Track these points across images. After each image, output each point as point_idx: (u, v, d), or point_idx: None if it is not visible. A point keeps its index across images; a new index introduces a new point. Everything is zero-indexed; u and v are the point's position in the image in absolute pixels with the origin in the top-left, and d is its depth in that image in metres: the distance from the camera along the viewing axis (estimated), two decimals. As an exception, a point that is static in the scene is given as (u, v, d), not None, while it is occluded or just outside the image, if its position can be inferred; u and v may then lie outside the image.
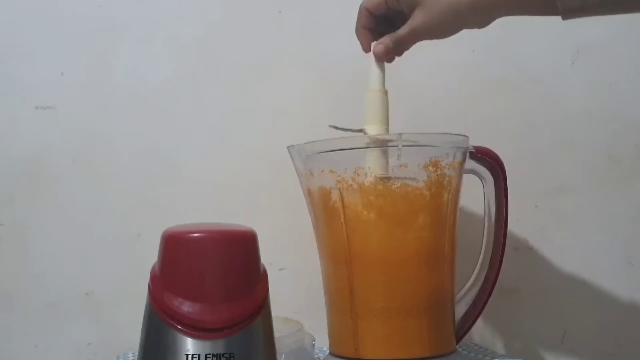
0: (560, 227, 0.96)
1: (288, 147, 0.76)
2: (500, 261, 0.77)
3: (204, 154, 0.92)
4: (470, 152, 0.75)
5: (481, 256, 0.79)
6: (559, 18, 1.02)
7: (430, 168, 0.72)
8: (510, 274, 0.96)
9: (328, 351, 0.78)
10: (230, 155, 0.92)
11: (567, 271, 0.97)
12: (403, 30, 0.72)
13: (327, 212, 0.75)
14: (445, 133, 0.73)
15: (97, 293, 0.90)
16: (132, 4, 0.91)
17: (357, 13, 0.75)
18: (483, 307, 0.78)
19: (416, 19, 0.71)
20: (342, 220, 0.73)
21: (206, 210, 0.90)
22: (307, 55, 0.93)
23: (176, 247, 0.63)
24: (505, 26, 0.96)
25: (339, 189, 0.72)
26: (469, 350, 0.90)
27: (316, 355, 0.84)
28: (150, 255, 0.66)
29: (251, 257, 0.64)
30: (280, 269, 0.89)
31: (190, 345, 0.60)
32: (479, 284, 0.78)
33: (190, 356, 0.60)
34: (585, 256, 0.98)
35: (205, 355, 0.60)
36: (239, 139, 0.93)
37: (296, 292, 0.86)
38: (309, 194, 0.77)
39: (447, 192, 0.73)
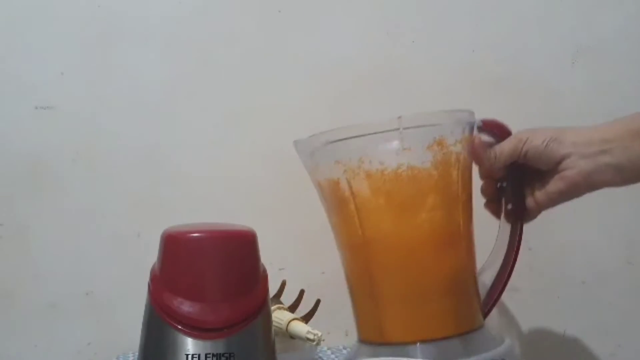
0: (560, 227, 0.96)
1: (294, 141, 0.76)
2: (521, 231, 0.76)
3: (204, 154, 0.92)
4: (479, 127, 0.74)
5: (500, 228, 0.78)
6: (558, 17, 1.02)
7: (436, 147, 0.71)
8: (510, 274, 0.97)
9: (357, 338, 0.77)
10: (230, 155, 0.92)
11: (567, 271, 0.97)
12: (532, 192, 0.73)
13: (337, 202, 0.75)
14: (448, 110, 0.73)
15: (97, 293, 0.90)
16: (132, 4, 0.91)
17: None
18: (508, 279, 0.77)
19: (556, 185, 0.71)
20: (353, 208, 0.72)
21: (206, 210, 0.90)
22: (307, 54, 0.93)
23: (176, 247, 0.63)
24: (505, 26, 0.97)
25: (347, 178, 0.72)
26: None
27: (317, 356, 0.85)
28: (150, 255, 0.66)
29: (251, 257, 0.64)
30: (280, 269, 0.89)
31: (190, 345, 0.60)
32: (502, 255, 0.77)
33: (190, 356, 0.60)
34: (585, 256, 0.98)
35: (205, 355, 0.60)
36: (239, 139, 0.93)
37: (296, 292, 0.86)
38: (318, 185, 0.77)
39: (456, 169, 0.72)
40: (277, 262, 0.86)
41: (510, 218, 0.76)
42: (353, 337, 0.93)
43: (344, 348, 0.91)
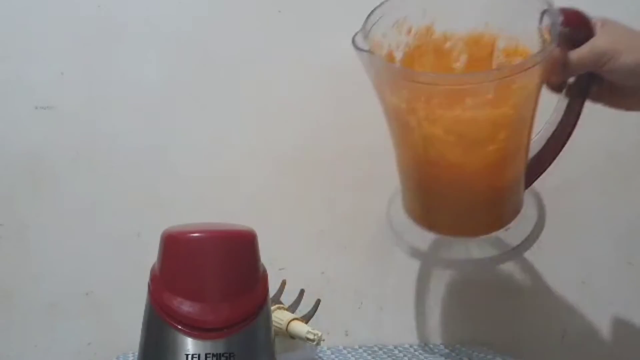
0: (561, 227, 0.96)
1: (357, 51, 0.71)
2: (581, 107, 0.74)
3: (204, 154, 0.92)
4: (557, 23, 0.69)
5: (559, 102, 0.75)
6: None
7: (518, 92, 0.69)
8: (510, 274, 0.97)
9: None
10: (230, 155, 0.92)
11: (567, 271, 0.97)
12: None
13: (402, 127, 0.73)
14: (538, 53, 0.68)
15: (97, 293, 0.90)
16: (131, 4, 0.91)
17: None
18: (558, 152, 0.76)
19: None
20: (418, 136, 0.72)
21: (206, 210, 0.90)
22: (307, 54, 0.93)
23: (176, 247, 0.63)
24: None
25: (417, 116, 0.70)
26: (469, 348, 0.90)
27: (317, 356, 0.85)
28: (150, 255, 0.66)
29: (251, 257, 0.64)
30: (280, 269, 0.89)
31: (190, 345, 0.60)
32: (553, 128, 0.76)
33: (190, 356, 0.60)
34: (585, 256, 0.98)
35: (205, 355, 0.60)
36: (239, 139, 0.93)
37: (296, 292, 0.86)
38: (382, 100, 0.74)
39: (533, 100, 0.71)
40: (277, 262, 0.86)
41: (571, 93, 0.74)
42: (353, 337, 0.93)
43: (344, 348, 0.91)
